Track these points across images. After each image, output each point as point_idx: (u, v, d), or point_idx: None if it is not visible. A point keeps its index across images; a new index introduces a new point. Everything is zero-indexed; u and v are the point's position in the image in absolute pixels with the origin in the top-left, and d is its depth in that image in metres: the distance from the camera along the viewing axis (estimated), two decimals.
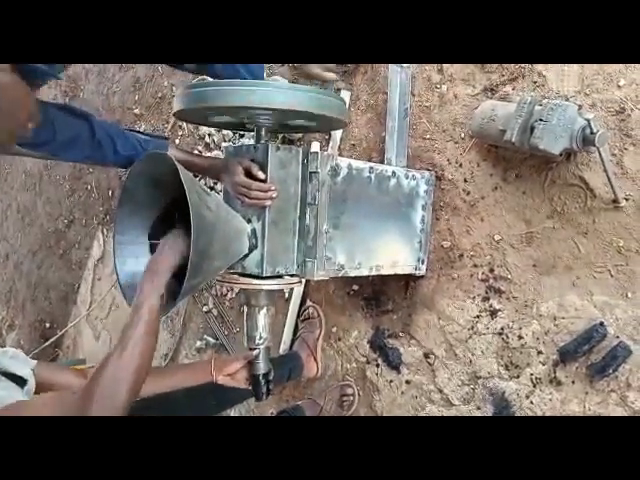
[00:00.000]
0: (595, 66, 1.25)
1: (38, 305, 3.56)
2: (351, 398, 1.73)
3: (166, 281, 1.02)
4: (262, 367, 1.31)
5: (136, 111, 2.60)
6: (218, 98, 1.09)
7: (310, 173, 1.25)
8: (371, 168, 1.37)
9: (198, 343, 2.35)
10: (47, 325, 3.41)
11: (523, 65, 1.36)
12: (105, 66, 2.78)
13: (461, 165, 1.49)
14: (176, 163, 1.04)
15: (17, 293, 3.78)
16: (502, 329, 1.41)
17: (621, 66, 1.21)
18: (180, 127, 2.38)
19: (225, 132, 2.16)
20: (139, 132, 1.40)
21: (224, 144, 2.18)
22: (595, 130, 1.13)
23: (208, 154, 2.25)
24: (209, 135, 2.23)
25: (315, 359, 1.79)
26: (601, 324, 1.25)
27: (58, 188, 3.30)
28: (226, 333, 2.23)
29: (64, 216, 3.27)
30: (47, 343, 3.16)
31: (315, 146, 1.85)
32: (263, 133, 1.27)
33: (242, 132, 2.06)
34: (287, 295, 1.92)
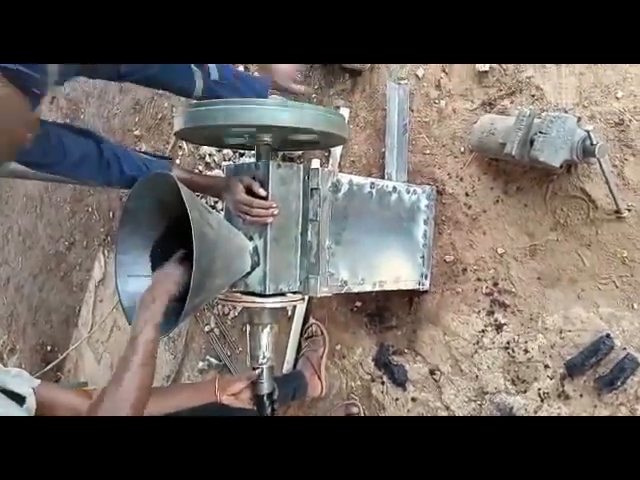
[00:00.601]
0: (592, 78, 1.26)
1: (39, 328, 3.54)
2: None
3: (162, 311, 1.02)
4: (266, 387, 1.29)
5: (136, 132, 2.61)
6: (221, 117, 1.10)
7: (311, 189, 1.25)
8: (372, 184, 1.37)
9: (200, 364, 2.32)
10: (48, 348, 3.39)
11: (520, 79, 1.37)
12: (105, 89, 2.80)
13: (462, 179, 1.49)
14: (177, 182, 1.04)
15: (18, 317, 3.76)
16: (508, 343, 1.39)
17: (618, 78, 1.22)
18: (180, 147, 2.39)
19: (225, 151, 2.17)
20: (142, 152, 1.41)
21: (224, 163, 2.18)
22: (595, 141, 1.14)
23: (209, 173, 2.25)
24: (209, 155, 2.24)
25: (319, 378, 1.77)
26: (608, 336, 1.24)
27: (59, 210, 3.30)
28: (229, 353, 2.21)
29: (65, 238, 3.27)
30: (48, 367, 3.13)
31: (315, 163, 1.84)
32: (264, 151, 1.27)
33: (242, 151, 2.07)
34: (289, 313, 1.91)
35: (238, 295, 1.26)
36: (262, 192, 1.19)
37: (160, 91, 2.49)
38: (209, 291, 1.14)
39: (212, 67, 1.39)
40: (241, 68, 2.03)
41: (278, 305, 1.25)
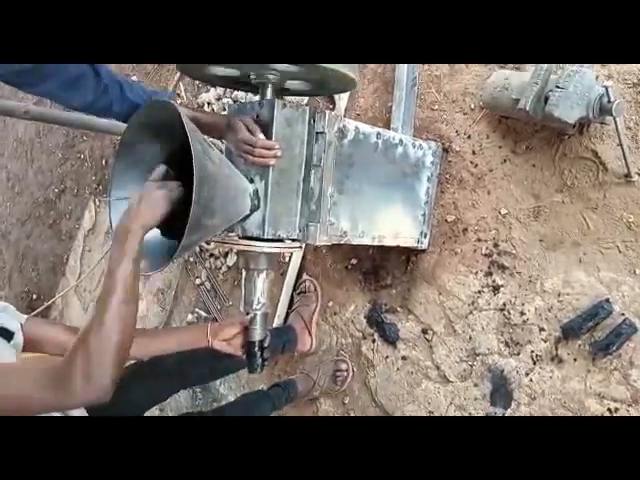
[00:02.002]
0: None
1: (25, 276, 3.50)
2: (345, 373, 1.71)
3: (139, 243, 0.92)
4: (258, 333, 1.27)
5: (134, 78, 2.53)
6: None
7: (316, 133, 1.20)
8: (378, 134, 1.33)
9: (189, 317, 2.31)
10: (34, 296, 3.35)
11: None
12: None
13: (470, 137, 1.45)
14: (180, 109, 1.00)
15: (4, 263, 3.71)
16: (504, 305, 1.38)
17: None
18: (178, 95, 2.32)
19: (225, 100, 2.11)
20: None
21: (224, 113, 2.12)
22: (613, 99, 1.10)
23: None
24: (208, 104, 2.18)
25: (310, 333, 1.76)
26: (607, 301, 1.23)
27: (50, 156, 3.23)
28: (219, 307, 2.19)
29: (55, 185, 3.20)
30: (33, 314, 3.08)
31: None
32: (269, 90, 1.22)
33: (243, 101, 2.01)
34: (284, 267, 1.88)
35: (235, 238, 1.23)
36: (260, 135, 1.15)
37: None
38: (206, 229, 1.10)
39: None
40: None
41: (276, 250, 1.21)
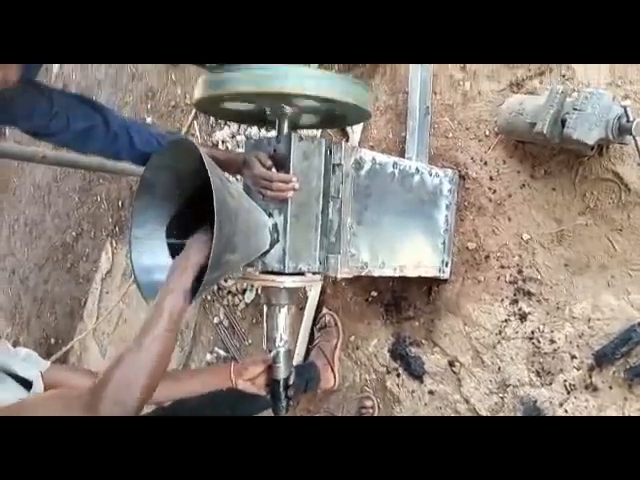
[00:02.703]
0: None
1: (43, 321, 3.50)
2: (370, 410, 1.66)
3: (193, 279, 0.98)
4: (283, 371, 1.25)
5: (149, 120, 2.58)
6: (248, 82, 1.06)
7: (333, 165, 1.21)
8: (395, 163, 1.33)
9: (209, 356, 2.28)
10: (52, 341, 3.35)
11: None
12: (118, 75, 2.78)
13: (486, 163, 1.44)
14: (199, 147, 1.00)
15: (22, 309, 3.73)
16: (532, 333, 1.34)
17: None
18: (192, 135, 2.35)
19: (239, 138, 2.13)
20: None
21: (238, 150, 2.15)
22: (632, 118, 1.09)
23: None
24: (223, 142, 2.21)
25: (332, 370, 1.72)
26: (639, 324, 1.19)
27: (67, 200, 3.27)
28: (238, 345, 2.16)
29: (72, 228, 3.24)
30: (52, 359, 3.09)
31: None
32: (285, 125, 1.23)
33: (256, 138, 2.03)
34: (302, 302, 1.86)
35: (256, 274, 1.22)
36: (274, 171, 1.16)
37: (174, 77, 2.46)
38: (228, 266, 1.10)
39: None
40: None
41: (297, 284, 1.20)
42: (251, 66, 1.06)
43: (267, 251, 1.20)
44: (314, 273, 1.23)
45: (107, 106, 1.27)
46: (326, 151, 1.21)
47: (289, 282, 1.18)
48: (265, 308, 1.25)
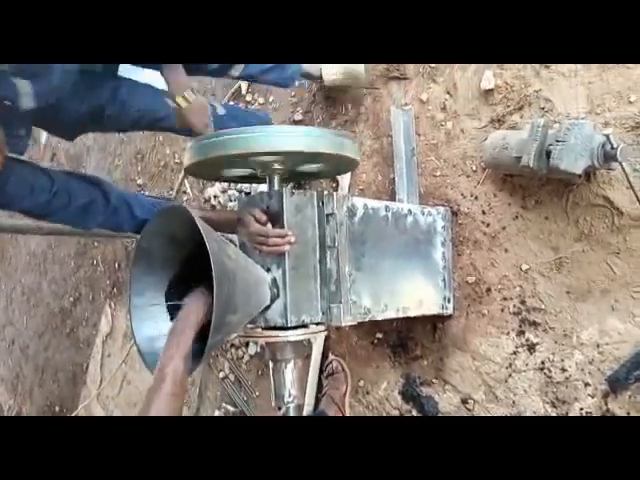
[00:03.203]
0: (602, 85, 1.25)
1: (46, 389, 3.44)
2: None
3: (191, 341, 0.96)
4: None
5: (139, 181, 2.61)
6: (234, 146, 1.08)
7: (327, 215, 1.22)
8: (387, 207, 1.34)
9: (217, 413, 2.23)
10: (57, 409, 3.28)
11: (528, 94, 1.36)
12: (107, 141, 2.82)
13: (477, 198, 1.46)
14: (192, 213, 1.01)
15: (24, 378, 3.67)
16: (543, 363, 1.33)
17: (629, 83, 1.21)
18: (185, 192, 2.38)
19: (230, 192, 2.15)
20: (149, 197, 1.39)
21: (230, 204, 2.16)
22: (615, 145, 1.11)
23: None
24: (215, 197, 2.23)
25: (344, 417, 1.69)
26: None
27: (63, 266, 3.27)
28: (245, 399, 2.13)
29: (70, 294, 3.22)
30: None
31: None
32: (276, 181, 1.24)
33: (247, 190, 2.05)
34: (307, 350, 1.84)
35: (259, 330, 1.21)
36: (269, 227, 1.17)
37: (161, 139, 2.51)
38: (230, 326, 1.09)
39: (216, 103, 1.40)
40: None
41: (301, 337, 1.19)
42: (235, 130, 1.09)
43: (268, 306, 1.20)
44: (317, 324, 1.22)
45: (105, 180, 1.29)
46: (318, 202, 1.22)
47: (293, 336, 1.17)
48: (270, 364, 1.24)
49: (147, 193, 2.53)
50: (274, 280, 1.19)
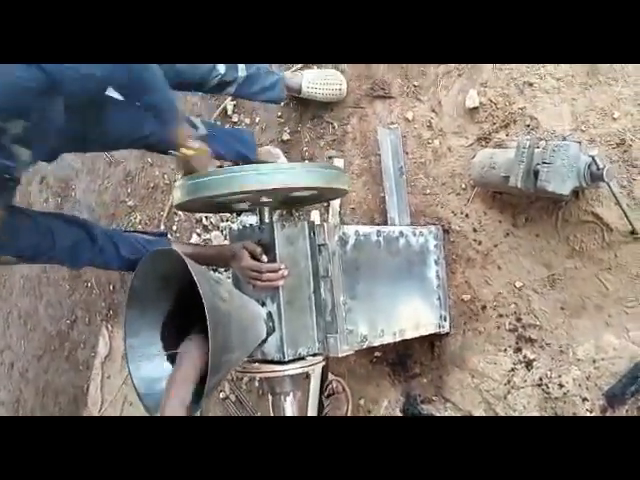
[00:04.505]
0: (586, 102, 1.26)
1: (48, 412, 3.42)
2: None
3: (191, 392, 0.97)
4: None
5: (130, 203, 2.60)
6: (223, 185, 1.08)
7: (319, 246, 1.22)
8: (378, 231, 1.34)
9: None
10: None
11: (512, 111, 1.37)
12: (94, 164, 2.81)
13: (467, 215, 1.46)
14: (184, 257, 1.01)
15: (25, 402, 3.65)
16: (541, 379, 1.34)
17: (612, 99, 1.22)
18: (176, 214, 2.37)
19: (222, 213, 2.15)
20: (137, 232, 1.39)
21: (222, 224, 2.16)
22: (602, 165, 1.12)
23: (207, 236, 2.23)
24: (206, 217, 2.22)
25: None
26: None
27: (58, 289, 3.25)
28: None
29: (66, 317, 3.20)
30: None
31: (314, 214, 1.83)
32: (266, 212, 1.24)
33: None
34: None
35: (256, 365, 1.21)
36: (264, 258, 1.17)
37: (150, 160, 2.49)
38: (227, 366, 1.09)
39: (198, 121, 1.40)
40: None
41: (299, 371, 1.19)
42: (223, 170, 1.09)
43: (264, 340, 1.20)
44: (314, 355, 1.23)
45: (84, 219, 1.29)
46: (309, 233, 1.22)
47: (291, 370, 1.18)
48: (270, 397, 1.24)
49: (138, 216, 2.52)
50: (269, 314, 1.19)
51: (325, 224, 1.22)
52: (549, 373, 1.32)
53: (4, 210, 1.03)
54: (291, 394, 1.21)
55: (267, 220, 1.24)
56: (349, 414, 1.70)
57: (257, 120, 2.05)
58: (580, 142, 1.22)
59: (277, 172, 1.09)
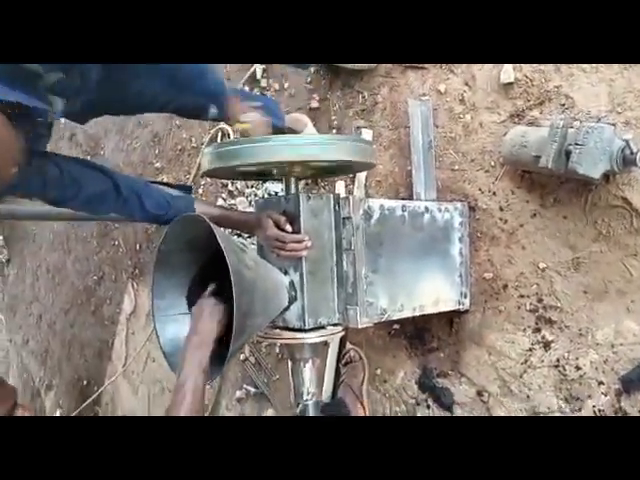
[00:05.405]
0: (624, 83, 1.22)
1: (74, 363, 3.57)
2: None
3: (209, 355, 0.99)
4: None
5: (157, 165, 2.63)
6: (253, 155, 1.09)
7: (343, 219, 1.23)
8: (403, 206, 1.34)
9: (238, 393, 2.30)
10: (85, 383, 3.41)
11: (548, 89, 1.33)
12: (124, 124, 2.83)
13: (495, 194, 1.45)
14: (211, 225, 1.03)
15: (53, 352, 3.80)
16: (558, 361, 1.34)
17: None
18: (202, 177, 2.39)
19: None
20: (163, 183, 1.40)
21: (247, 190, 2.18)
22: (635, 150, 1.09)
23: (232, 201, 2.25)
24: (232, 183, 2.24)
25: (362, 404, 1.73)
26: None
27: (86, 245, 3.34)
28: (265, 381, 2.19)
29: (93, 272, 3.30)
30: (85, 404, 3.16)
31: (339, 185, 1.84)
32: (293, 183, 1.25)
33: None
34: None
35: (277, 332, 1.24)
36: (289, 228, 1.18)
37: (178, 122, 2.51)
38: (250, 331, 1.12)
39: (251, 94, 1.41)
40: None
41: (318, 339, 1.22)
42: (254, 139, 1.09)
43: (286, 308, 1.23)
44: (334, 325, 1.25)
45: (112, 170, 1.29)
46: (334, 206, 1.23)
47: (311, 338, 1.20)
48: (289, 363, 1.28)
49: (165, 178, 2.55)
50: (292, 283, 1.22)
51: (350, 197, 1.22)
52: (567, 355, 1.33)
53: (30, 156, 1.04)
54: (310, 361, 1.25)
55: (293, 191, 1.25)
56: (365, 383, 1.74)
57: (286, 86, 2.03)
58: (615, 125, 1.19)
59: (308, 144, 1.10)
